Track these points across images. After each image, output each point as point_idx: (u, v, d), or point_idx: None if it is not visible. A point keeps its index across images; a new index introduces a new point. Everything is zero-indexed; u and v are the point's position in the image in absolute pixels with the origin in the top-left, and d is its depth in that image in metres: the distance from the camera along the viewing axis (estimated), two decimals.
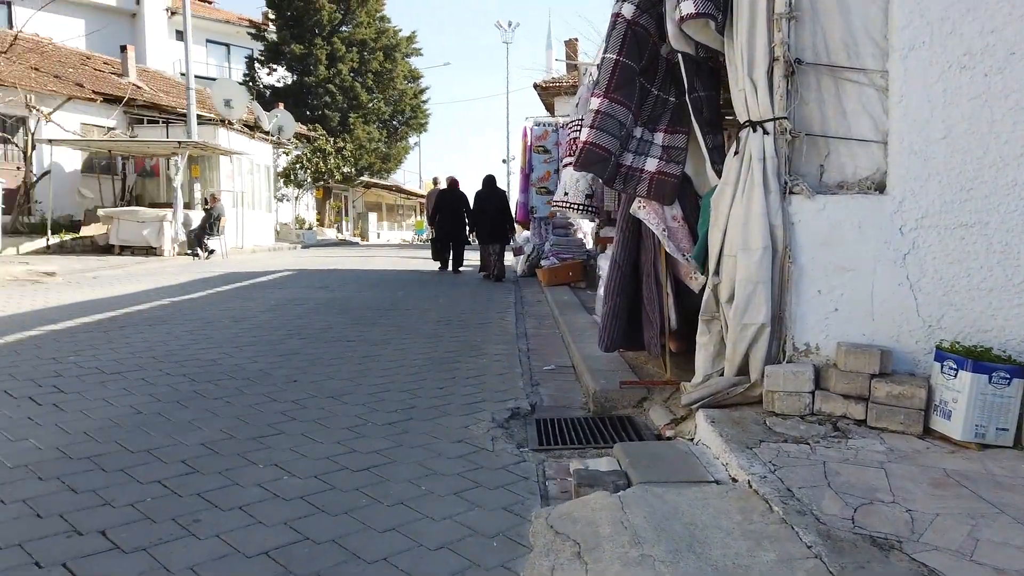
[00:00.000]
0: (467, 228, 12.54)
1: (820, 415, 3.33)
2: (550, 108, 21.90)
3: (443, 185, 14.03)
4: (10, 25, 24.45)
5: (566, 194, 7.78)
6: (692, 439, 3.43)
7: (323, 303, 8.13)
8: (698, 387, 3.73)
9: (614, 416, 4.05)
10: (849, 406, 3.29)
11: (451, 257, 13.01)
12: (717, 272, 3.68)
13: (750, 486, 2.64)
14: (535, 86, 22.71)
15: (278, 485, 2.83)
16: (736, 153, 3.58)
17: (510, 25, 39.82)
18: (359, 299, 8.57)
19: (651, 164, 4.03)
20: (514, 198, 17.85)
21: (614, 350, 4.36)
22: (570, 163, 7.82)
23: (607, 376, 4.45)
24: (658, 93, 4.06)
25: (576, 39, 26.29)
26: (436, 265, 13.43)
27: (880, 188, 3.47)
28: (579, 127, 7.87)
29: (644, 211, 4.04)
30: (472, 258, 14.03)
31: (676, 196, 4.01)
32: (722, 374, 3.74)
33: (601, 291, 4.29)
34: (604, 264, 5.49)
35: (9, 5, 26.09)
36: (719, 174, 3.89)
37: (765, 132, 3.49)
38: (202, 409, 3.86)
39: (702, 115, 3.91)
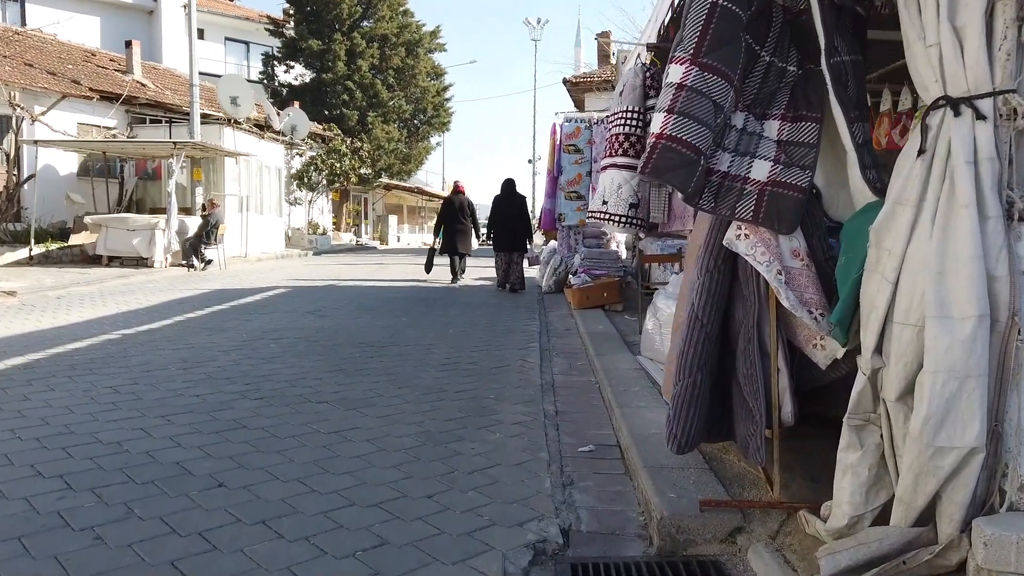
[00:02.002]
0: (465, 235, 12.06)
1: None
2: (580, 105, 20.47)
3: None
4: (23, 23, 23.60)
5: (604, 203, 6.29)
6: None
7: (306, 336, 6.74)
8: (845, 541, 2.26)
9: (692, 560, 2.60)
10: None
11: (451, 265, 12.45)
12: (879, 349, 2.21)
13: None
14: (564, 81, 21.30)
15: None
16: (921, 152, 2.11)
17: (539, 22, 38.52)
18: (352, 329, 7.16)
19: (760, 170, 2.56)
20: (540, 203, 16.46)
21: (691, 450, 2.89)
22: (609, 165, 6.39)
23: (676, 484, 2.99)
24: (771, 59, 2.59)
25: (609, 32, 24.78)
26: (448, 276, 12.56)
27: None
28: (620, 121, 6.40)
29: (747, 242, 2.57)
30: (471, 269, 12.63)
31: (800, 220, 2.53)
32: (879, 514, 2.28)
33: (673, 364, 2.88)
34: (664, 305, 4.02)
35: (22, 3, 25.29)
36: (876, 186, 2.41)
37: (979, 116, 2.01)
38: (47, 556, 2.46)
39: (846, 91, 2.43)
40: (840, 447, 2.34)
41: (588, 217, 6.58)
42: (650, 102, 6.24)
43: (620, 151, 6.24)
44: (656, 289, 8.36)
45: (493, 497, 3.07)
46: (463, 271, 12.85)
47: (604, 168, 6.40)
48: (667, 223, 6.41)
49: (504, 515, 2.89)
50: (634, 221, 6.21)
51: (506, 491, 3.14)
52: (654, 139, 2.46)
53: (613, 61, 24.09)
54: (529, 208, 15.26)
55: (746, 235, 2.59)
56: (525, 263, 11.89)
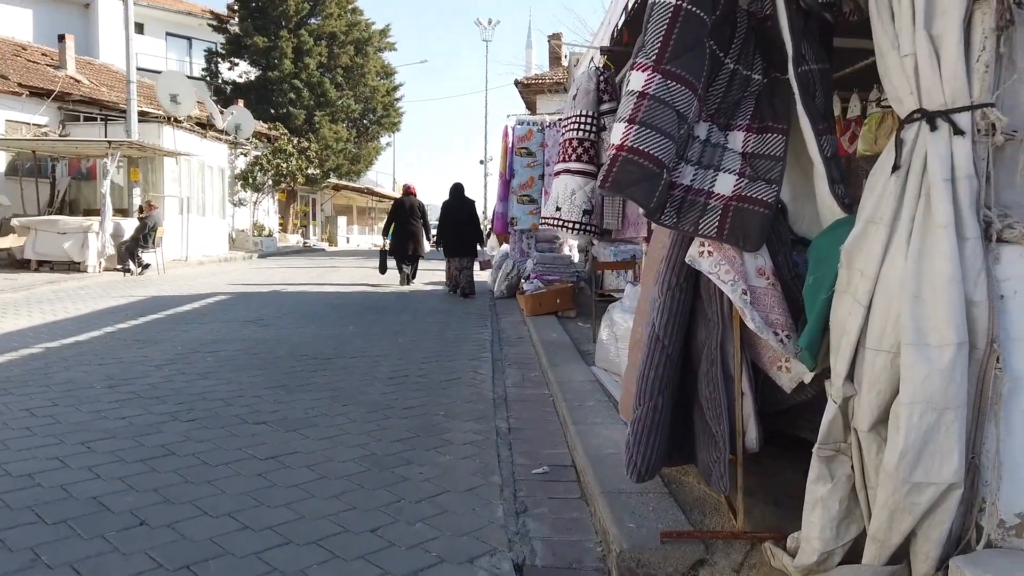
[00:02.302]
0: (416, 237, 12.10)
1: None
2: (532, 107, 20.36)
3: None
4: None
5: (558, 209, 6.14)
6: None
7: (246, 348, 6.41)
8: None
9: None
10: None
11: (400, 268, 12.49)
12: (851, 376, 2.08)
13: None
14: (516, 83, 21.18)
15: None
16: (896, 168, 1.99)
17: (490, 23, 38.28)
18: (295, 340, 6.85)
19: (725, 184, 2.42)
20: (492, 205, 16.29)
21: (652, 478, 2.74)
22: (563, 170, 6.24)
23: (635, 511, 2.84)
24: (736, 67, 2.45)
25: (561, 34, 24.75)
26: (398, 280, 12.58)
27: None
28: (574, 126, 6.27)
29: (710, 260, 2.43)
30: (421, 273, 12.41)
31: (766, 237, 2.40)
32: (850, 548, 2.16)
33: (632, 385, 2.71)
34: (620, 319, 3.87)
35: None
36: (845, 202, 2.30)
37: (956, 131, 1.90)
38: None
39: (814, 101, 2.31)
40: (809, 479, 2.20)
41: (541, 223, 6.44)
42: (604, 106, 6.13)
43: (574, 156, 6.10)
44: (611, 296, 8.27)
45: (442, 529, 2.86)
46: (414, 275, 12.81)
47: (557, 173, 6.26)
48: (621, 230, 6.30)
49: (454, 550, 2.69)
50: (588, 227, 6.09)
51: (456, 522, 2.94)
52: (614, 151, 2.29)
53: (565, 63, 24.06)
54: (480, 211, 15.10)
55: (709, 252, 2.45)
56: (476, 266, 11.81)
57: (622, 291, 7.86)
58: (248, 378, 5.26)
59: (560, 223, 6.08)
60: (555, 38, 24.12)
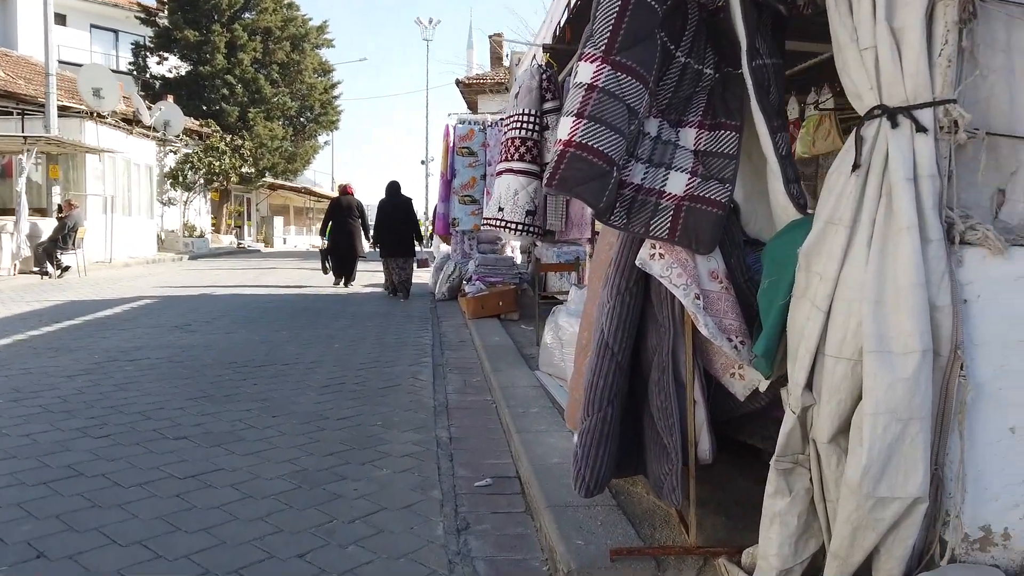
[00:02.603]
0: (354, 238, 11.99)
1: None
2: (473, 106, 20.18)
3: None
4: None
5: (500, 209, 6.00)
6: None
7: (170, 356, 6.04)
8: None
9: None
10: None
11: (337, 269, 12.29)
12: (810, 385, 1.98)
13: None
14: (457, 82, 20.97)
15: None
16: (856, 167, 1.89)
17: (431, 22, 37.93)
18: (224, 347, 6.50)
19: (677, 183, 2.29)
20: (432, 205, 16.03)
21: (601, 491, 2.59)
22: (505, 170, 6.10)
23: (583, 526, 2.69)
24: (687, 60, 2.33)
25: (502, 34, 24.63)
26: (335, 283, 12.34)
27: None
28: (516, 125, 6.13)
29: (661, 263, 2.30)
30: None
31: (719, 239, 2.28)
32: (807, 564, 2.06)
33: (578, 393, 2.57)
34: (566, 323, 3.73)
35: None
36: (800, 202, 2.20)
37: (919, 128, 1.81)
38: None
39: (768, 97, 2.20)
40: (767, 492, 2.09)
41: (484, 223, 6.28)
42: (547, 104, 6.00)
43: (516, 156, 5.95)
44: (554, 298, 8.16)
45: (377, 551, 2.66)
46: (353, 276, 12.57)
47: (500, 173, 6.10)
48: (565, 231, 6.19)
49: (390, 575, 2.50)
50: (531, 228, 5.96)
51: (393, 543, 2.74)
52: (561, 147, 2.14)
53: (506, 63, 23.96)
54: (420, 212, 14.87)
55: (661, 255, 2.32)
56: (415, 266, 11.68)
57: (566, 293, 7.77)
58: (170, 388, 4.92)
59: (502, 224, 5.93)
60: (496, 37, 24.00)
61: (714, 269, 2.33)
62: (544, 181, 2.18)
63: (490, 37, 25.09)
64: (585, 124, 2.13)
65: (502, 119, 6.38)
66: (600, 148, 2.13)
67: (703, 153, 2.33)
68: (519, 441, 3.76)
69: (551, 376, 5.17)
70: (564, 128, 2.16)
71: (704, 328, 2.23)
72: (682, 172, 2.30)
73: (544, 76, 5.91)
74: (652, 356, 2.49)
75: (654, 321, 2.48)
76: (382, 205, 11.29)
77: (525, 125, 5.87)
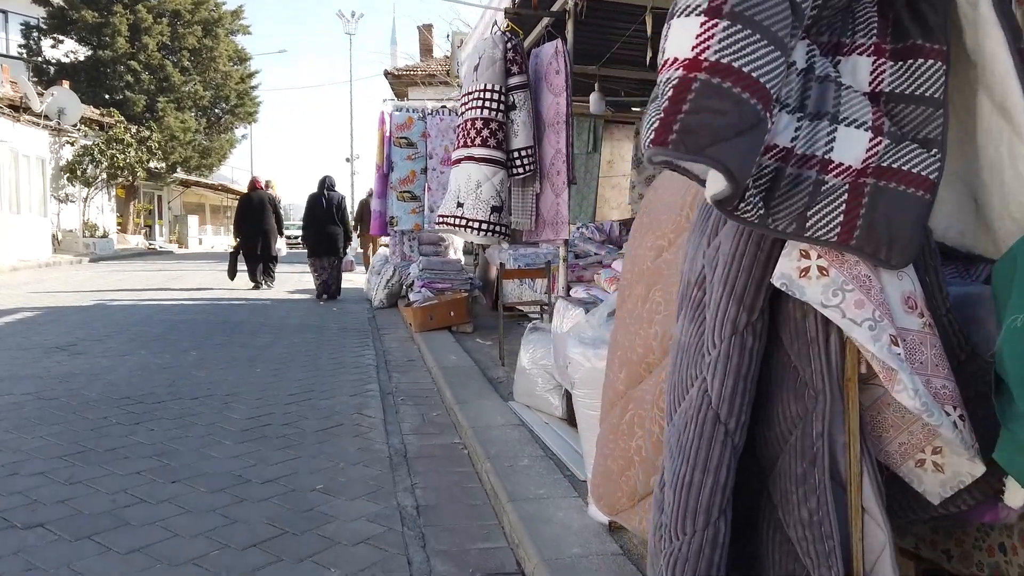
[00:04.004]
0: (268, 237, 11.20)
1: None
2: (403, 99, 18.98)
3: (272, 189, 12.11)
4: None
5: (460, 205, 4.98)
6: None
7: (41, 391, 4.76)
8: None
9: None
10: None
11: (252, 272, 11.40)
12: None
13: None
14: (386, 74, 19.78)
15: None
16: None
17: (353, 15, 36.32)
18: (115, 376, 5.22)
19: (851, 146, 1.35)
20: (359, 203, 14.73)
21: None
22: (464, 157, 5.08)
23: None
24: None
25: (431, 25, 23.51)
26: (253, 287, 11.37)
27: None
28: (477, 103, 5.18)
29: (822, 283, 1.35)
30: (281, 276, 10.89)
31: (921, 244, 1.35)
32: None
33: (618, 463, 1.63)
34: (580, 355, 2.74)
35: None
36: None
37: None
38: None
39: None
40: None
41: (438, 223, 5.22)
42: (513, 79, 5.00)
43: (478, 140, 4.93)
44: (516, 309, 7.16)
45: None
46: (272, 280, 11.63)
47: (457, 161, 5.07)
48: (535, 230, 5.22)
49: None
50: (497, 228, 4.98)
51: None
52: (682, 70, 1.16)
53: (437, 55, 22.81)
54: (349, 208, 13.75)
55: (822, 271, 1.37)
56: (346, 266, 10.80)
57: (530, 304, 6.79)
58: (33, 441, 3.69)
59: (463, 223, 4.91)
60: (426, 28, 22.85)
61: (909, 293, 1.40)
62: (650, 137, 1.18)
63: (419, 27, 23.93)
64: (726, 28, 1.16)
65: (460, 96, 5.36)
66: (753, 73, 1.16)
67: (888, 96, 1.40)
68: (515, 516, 2.77)
69: (531, 409, 4.20)
70: (683, 36, 1.18)
71: (914, 398, 1.30)
72: (858, 128, 1.36)
73: (509, 45, 4.92)
74: (786, 434, 1.54)
75: (790, 377, 1.53)
76: (311, 199, 10.47)
77: (488, 104, 4.86)
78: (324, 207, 10.32)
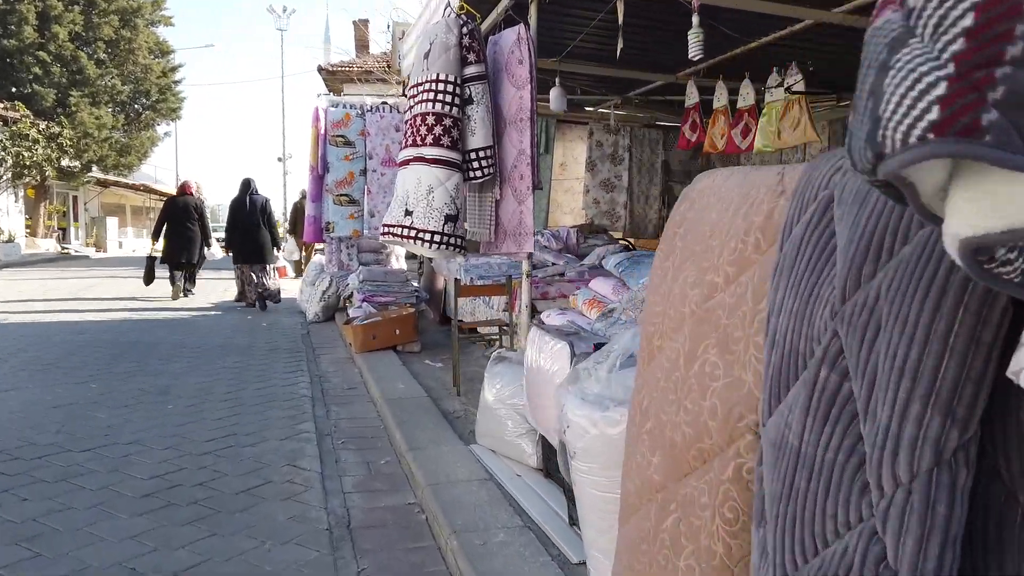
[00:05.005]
0: (192, 243, 10.49)
1: None
2: (338, 95, 18.08)
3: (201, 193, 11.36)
4: None
5: (408, 213, 4.30)
6: None
7: None
8: None
9: None
10: None
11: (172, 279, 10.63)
12: None
13: None
14: (320, 69, 18.79)
15: None
16: None
17: (284, 11, 34.94)
18: None
19: None
20: (292, 205, 13.81)
21: None
22: (414, 158, 4.41)
23: None
24: None
25: (367, 20, 22.59)
26: (179, 300, 10.49)
27: None
28: (428, 96, 4.55)
29: None
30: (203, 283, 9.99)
31: None
32: None
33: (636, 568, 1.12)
34: (580, 415, 2.11)
35: None
36: None
37: None
38: None
39: None
40: None
41: (384, 233, 4.53)
42: (469, 69, 4.34)
43: (430, 139, 4.23)
44: (473, 328, 6.45)
45: None
46: (192, 287, 10.94)
47: (405, 162, 4.38)
48: (494, 242, 4.59)
49: None
50: (452, 241, 4.32)
51: None
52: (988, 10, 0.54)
53: (375, 50, 21.92)
54: (279, 214, 12.87)
55: None
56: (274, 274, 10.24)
57: (487, 324, 6.13)
58: None
59: (411, 234, 4.24)
60: (363, 23, 21.92)
61: None
62: (949, 130, 0.56)
63: (355, 22, 22.98)
64: None
65: (408, 89, 4.67)
66: None
67: None
68: None
69: (498, 455, 3.56)
70: None
71: None
72: None
73: (465, 30, 4.27)
74: None
75: (1020, 525, 0.93)
76: (234, 204, 9.90)
77: (441, 97, 4.18)
78: (248, 210, 9.75)
